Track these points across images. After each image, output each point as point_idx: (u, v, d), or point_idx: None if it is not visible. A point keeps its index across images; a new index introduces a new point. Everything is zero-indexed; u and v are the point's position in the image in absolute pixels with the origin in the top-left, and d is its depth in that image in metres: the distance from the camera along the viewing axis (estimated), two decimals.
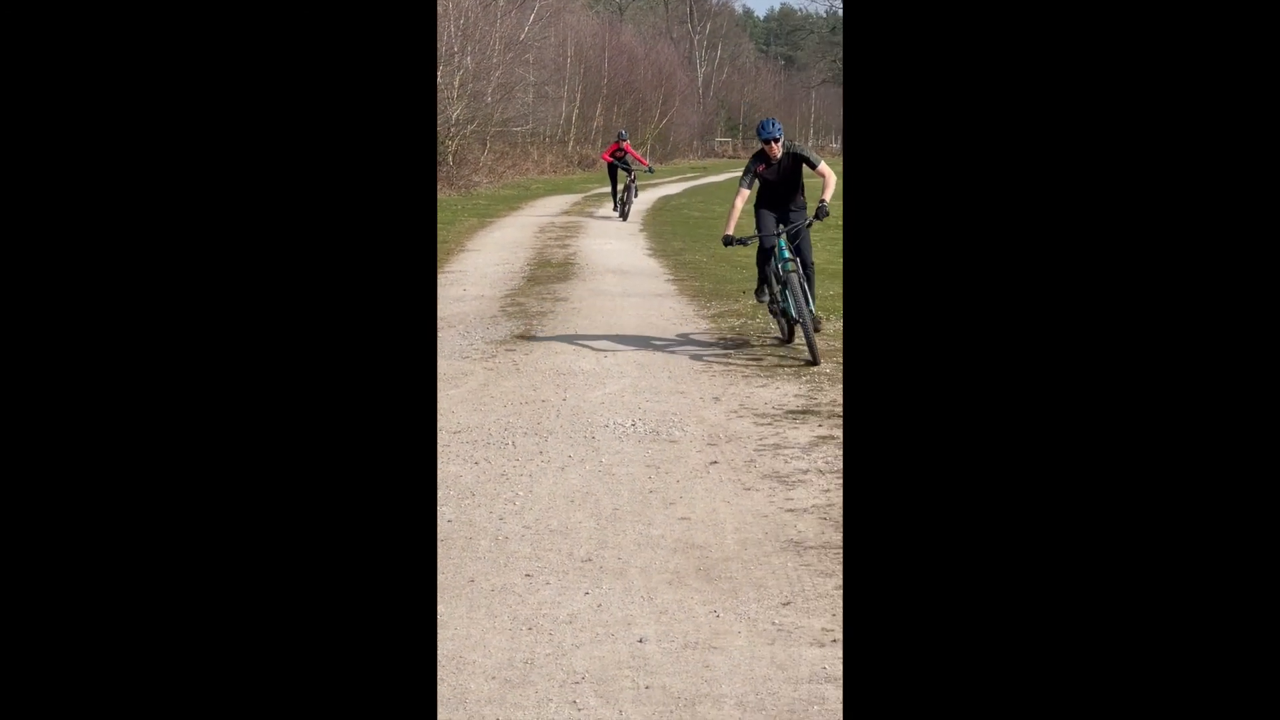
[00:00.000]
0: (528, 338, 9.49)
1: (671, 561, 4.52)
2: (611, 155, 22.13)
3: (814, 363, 7.89)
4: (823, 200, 8.16)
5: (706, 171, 47.14)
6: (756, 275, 8.92)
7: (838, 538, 4.73)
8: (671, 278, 13.28)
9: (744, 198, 8.49)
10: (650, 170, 23.79)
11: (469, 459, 5.98)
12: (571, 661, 3.68)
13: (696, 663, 3.65)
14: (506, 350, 8.94)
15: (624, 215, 21.54)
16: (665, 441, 6.26)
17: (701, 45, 69.19)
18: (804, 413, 6.83)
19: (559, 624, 3.98)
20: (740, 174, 8.79)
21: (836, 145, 77.34)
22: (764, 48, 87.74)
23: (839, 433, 6.34)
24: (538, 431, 6.53)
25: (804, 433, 6.40)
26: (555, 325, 10.07)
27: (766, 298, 8.74)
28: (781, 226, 8.51)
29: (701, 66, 67.92)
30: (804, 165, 8.50)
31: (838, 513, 5.04)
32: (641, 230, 19.79)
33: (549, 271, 13.86)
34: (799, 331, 8.50)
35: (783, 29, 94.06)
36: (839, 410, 6.84)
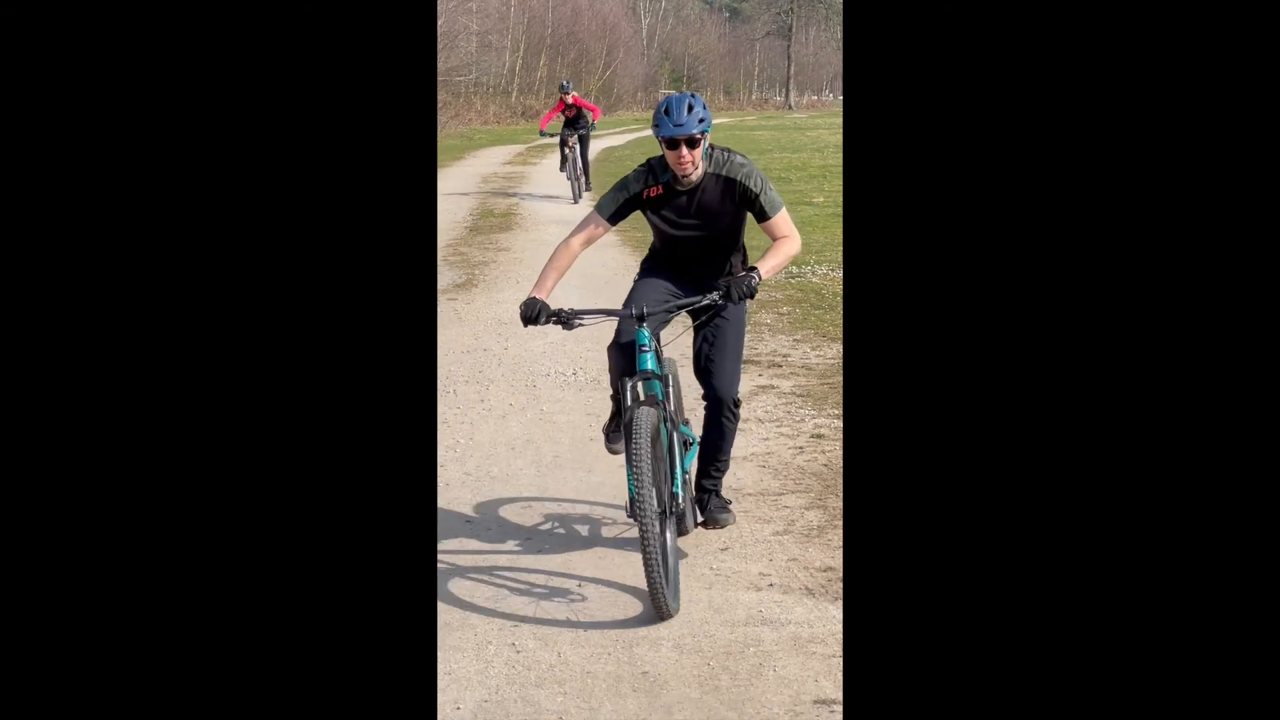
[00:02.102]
0: (470, 287, 9.45)
1: (611, 508, 4.55)
2: (559, 115, 16.66)
3: (661, 614, 3.58)
4: (754, 266, 3.94)
5: (650, 123, 46.89)
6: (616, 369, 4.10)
7: (775, 485, 4.79)
8: (614, 228, 13.24)
9: (586, 239, 4.12)
10: (593, 126, 16.98)
11: None
12: (511, 605, 3.71)
13: (634, 606, 3.68)
14: (448, 299, 8.90)
15: (578, 194, 16.13)
16: (606, 390, 6.28)
17: None
18: (744, 362, 6.86)
19: (499, 569, 4.00)
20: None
21: (780, 98, 77.25)
22: None
23: (778, 382, 6.39)
24: (479, 380, 6.53)
25: (743, 382, 6.44)
26: (497, 275, 10.04)
27: (620, 445, 4.23)
28: (668, 306, 4.04)
29: (646, 17, 67.50)
30: (747, 208, 4.03)
31: (776, 461, 5.10)
32: None
33: (491, 221, 13.79)
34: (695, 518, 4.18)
35: None
36: (779, 360, 6.89)
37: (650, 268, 4.32)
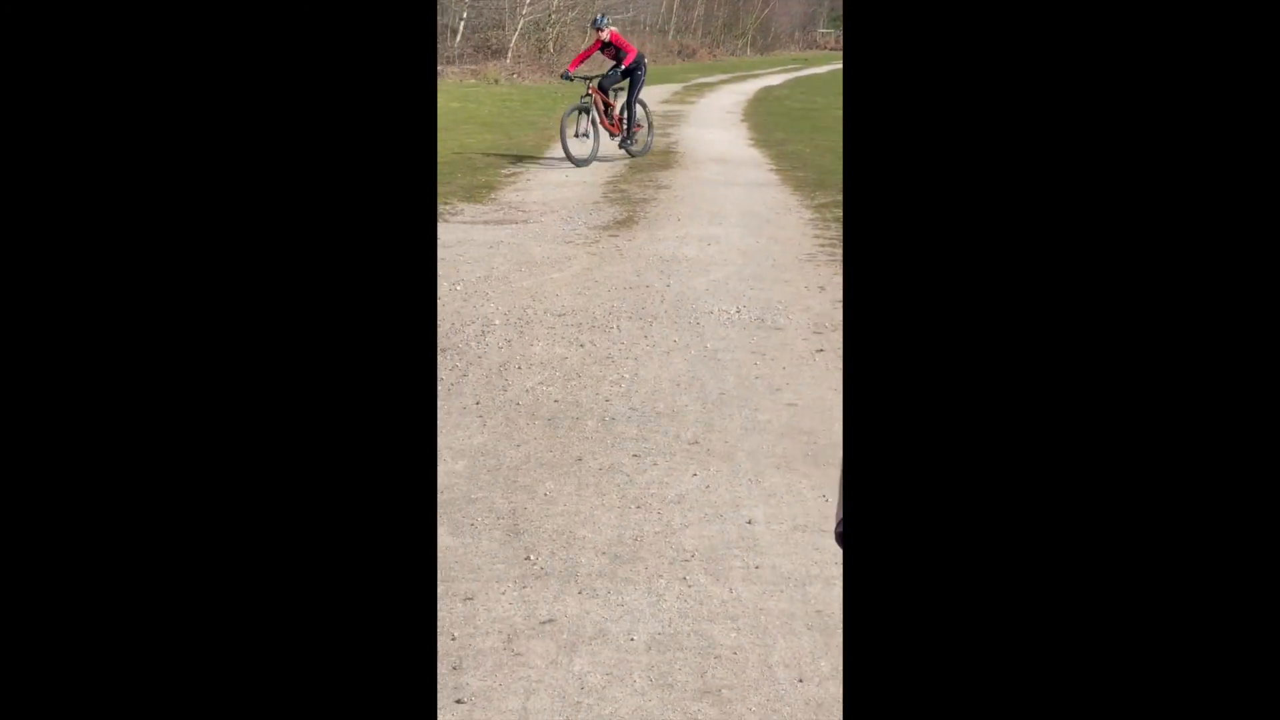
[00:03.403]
0: (631, 224, 9.43)
1: (779, 446, 4.50)
2: (596, 53, 14.00)
3: None
4: None
5: (808, 63, 46.25)
6: None
7: None
8: (774, 168, 13.09)
9: None
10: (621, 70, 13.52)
11: (574, 341, 5.98)
12: (681, 540, 3.69)
13: (806, 545, 3.63)
14: (609, 236, 8.90)
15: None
16: (770, 329, 6.20)
17: None
18: None
19: (667, 503, 3.99)
20: None
21: None
22: None
23: None
24: (642, 316, 6.51)
25: None
26: (658, 212, 9.99)
27: None
28: None
29: None
30: None
31: None
32: (743, 121, 19.51)
33: (650, 159, 13.73)
34: None
35: None
36: None
37: None
